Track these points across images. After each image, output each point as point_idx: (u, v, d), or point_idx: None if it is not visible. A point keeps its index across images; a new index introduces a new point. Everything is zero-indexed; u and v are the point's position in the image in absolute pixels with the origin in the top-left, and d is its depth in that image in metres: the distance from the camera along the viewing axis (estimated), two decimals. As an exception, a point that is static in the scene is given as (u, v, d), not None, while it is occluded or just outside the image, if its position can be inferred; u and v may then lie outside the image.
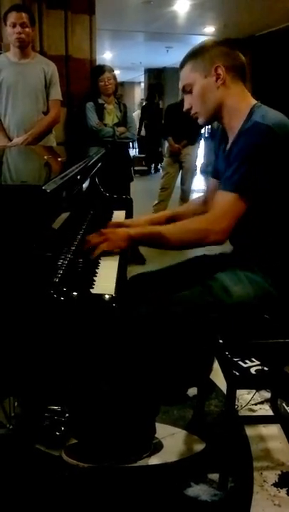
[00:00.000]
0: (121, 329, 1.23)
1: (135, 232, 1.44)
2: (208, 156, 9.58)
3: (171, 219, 1.67)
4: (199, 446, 1.67)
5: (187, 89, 1.45)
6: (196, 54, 1.43)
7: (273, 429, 1.75)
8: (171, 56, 9.98)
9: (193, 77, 1.42)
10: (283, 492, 1.48)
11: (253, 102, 1.43)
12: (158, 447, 1.63)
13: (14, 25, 2.78)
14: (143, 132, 10.09)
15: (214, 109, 1.43)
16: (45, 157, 2.04)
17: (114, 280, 1.28)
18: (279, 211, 1.39)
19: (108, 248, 1.40)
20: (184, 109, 1.49)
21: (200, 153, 7.06)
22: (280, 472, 1.56)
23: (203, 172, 9.12)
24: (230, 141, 1.44)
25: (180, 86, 1.49)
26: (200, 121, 1.48)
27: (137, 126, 9.98)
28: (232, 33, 8.04)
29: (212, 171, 1.67)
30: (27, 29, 2.81)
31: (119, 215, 2.03)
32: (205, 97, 1.42)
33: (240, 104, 1.41)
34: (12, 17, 2.78)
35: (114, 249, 1.42)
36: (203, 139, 8.77)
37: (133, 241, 1.44)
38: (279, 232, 1.42)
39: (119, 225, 1.64)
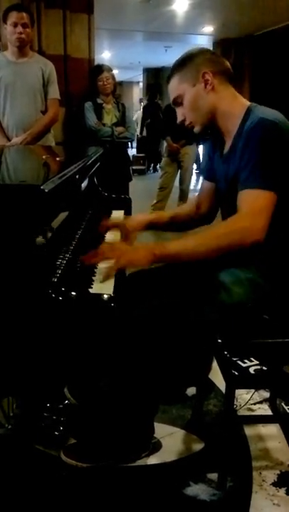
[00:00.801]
0: (120, 329, 1.23)
1: (163, 249, 1.30)
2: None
3: (168, 220, 1.68)
4: (198, 446, 1.67)
5: (178, 101, 1.46)
6: (181, 65, 1.44)
7: (272, 429, 1.75)
8: (169, 56, 9.96)
9: (182, 88, 1.44)
10: (282, 491, 1.48)
11: (247, 102, 1.44)
12: (157, 447, 1.63)
13: (15, 25, 2.79)
14: (145, 132, 10.11)
15: (208, 115, 1.44)
16: (44, 157, 2.04)
17: (113, 280, 1.28)
18: (280, 211, 1.39)
19: (124, 266, 1.29)
20: (178, 122, 1.50)
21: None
22: (279, 472, 1.56)
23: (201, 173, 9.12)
24: (228, 143, 1.45)
25: (170, 99, 1.50)
26: (196, 130, 1.48)
27: (139, 126, 10.00)
28: (231, 32, 8.05)
29: (206, 173, 1.67)
30: (27, 29, 2.82)
31: (117, 215, 2.03)
32: (197, 105, 1.43)
33: (233, 106, 1.42)
34: (13, 17, 2.78)
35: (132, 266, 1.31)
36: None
37: (158, 261, 1.31)
38: (279, 233, 1.42)
39: (117, 224, 1.63)
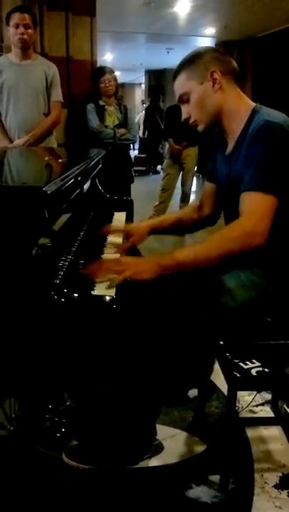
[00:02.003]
0: (121, 330, 1.23)
1: (168, 260, 1.30)
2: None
3: (170, 223, 1.68)
4: (200, 448, 1.66)
5: (184, 99, 1.45)
6: (189, 62, 1.44)
7: (274, 431, 1.75)
8: (171, 57, 9.97)
9: (189, 85, 1.43)
10: (284, 494, 1.47)
11: (252, 103, 1.44)
12: (158, 449, 1.63)
13: (17, 26, 2.79)
14: (146, 134, 10.13)
15: (213, 115, 1.43)
16: (46, 158, 2.04)
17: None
18: (282, 213, 1.39)
19: (130, 277, 1.25)
20: (182, 119, 1.49)
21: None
22: (281, 474, 1.55)
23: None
24: (231, 143, 1.45)
25: (176, 96, 1.49)
26: (200, 128, 1.47)
27: (142, 128, 10.01)
28: (232, 34, 8.06)
29: (208, 175, 1.67)
30: (29, 30, 2.82)
31: (119, 217, 2.03)
32: (203, 103, 1.42)
33: (239, 106, 1.42)
34: (15, 18, 2.79)
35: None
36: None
37: (165, 271, 1.29)
38: (282, 235, 1.42)
39: (120, 230, 1.63)
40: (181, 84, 1.45)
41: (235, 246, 1.29)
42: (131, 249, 1.67)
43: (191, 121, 1.47)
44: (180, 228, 1.73)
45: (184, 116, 1.48)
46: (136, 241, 1.68)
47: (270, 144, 1.30)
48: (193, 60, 1.43)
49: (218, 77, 1.40)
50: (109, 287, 1.21)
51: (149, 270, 1.27)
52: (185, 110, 1.47)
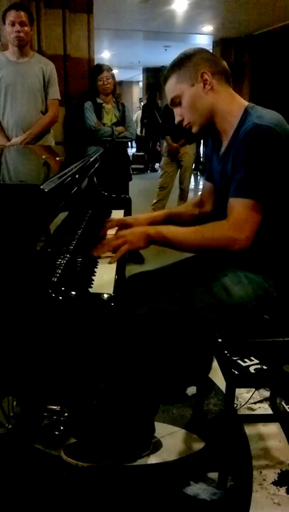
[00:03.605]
0: (120, 328, 1.23)
1: (155, 231, 1.39)
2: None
3: (170, 218, 1.67)
4: (198, 445, 1.67)
5: (176, 102, 1.45)
6: (178, 65, 1.43)
7: (272, 428, 1.75)
8: (169, 55, 9.96)
9: (180, 88, 1.42)
10: (283, 490, 1.48)
11: (245, 103, 1.43)
12: (157, 446, 1.64)
13: (13, 24, 2.79)
14: (144, 131, 10.12)
15: (206, 115, 1.43)
16: (44, 157, 2.04)
17: (113, 279, 1.28)
18: (279, 211, 1.39)
19: (129, 249, 1.37)
20: (176, 122, 1.49)
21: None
22: (279, 471, 1.56)
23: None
24: (225, 143, 1.45)
25: (168, 100, 1.49)
26: (194, 130, 1.47)
27: (139, 126, 10.01)
28: (230, 32, 8.06)
29: (206, 174, 1.67)
30: (26, 28, 2.82)
31: (117, 215, 2.03)
32: (196, 105, 1.42)
33: (232, 106, 1.42)
34: (11, 15, 2.79)
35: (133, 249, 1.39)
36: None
37: (152, 241, 1.39)
38: (279, 233, 1.42)
39: (121, 221, 1.62)
40: (172, 88, 1.45)
41: (216, 245, 1.35)
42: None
43: (184, 123, 1.46)
44: (180, 223, 1.73)
45: (177, 119, 1.48)
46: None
47: (257, 151, 1.29)
48: (182, 63, 1.42)
49: (208, 77, 1.39)
50: (111, 263, 1.36)
51: (140, 239, 1.38)
52: (178, 113, 1.46)
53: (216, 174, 1.53)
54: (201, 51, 1.45)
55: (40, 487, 1.41)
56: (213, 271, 1.46)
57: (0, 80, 2.87)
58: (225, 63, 1.46)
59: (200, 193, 1.79)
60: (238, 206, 1.32)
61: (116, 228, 1.57)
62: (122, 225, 1.58)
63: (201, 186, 7.08)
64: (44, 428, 1.55)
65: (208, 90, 1.40)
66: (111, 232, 1.54)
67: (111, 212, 2.04)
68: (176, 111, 1.47)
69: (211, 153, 1.58)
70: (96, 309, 1.12)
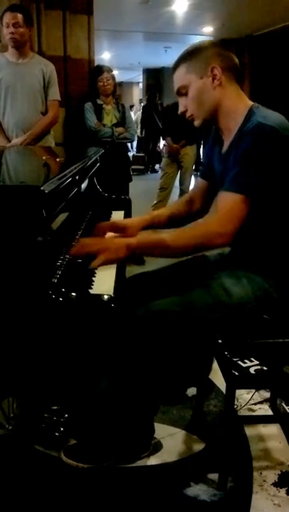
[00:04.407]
0: (120, 329, 1.23)
1: (137, 241, 1.35)
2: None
3: (167, 220, 1.66)
4: (198, 446, 1.67)
5: (182, 92, 1.43)
6: (190, 55, 1.41)
7: (273, 429, 1.75)
8: (169, 56, 9.98)
9: (189, 78, 1.40)
10: (283, 492, 1.48)
11: (250, 103, 1.42)
12: (157, 447, 1.63)
13: (8, 26, 2.81)
14: (144, 133, 10.11)
15: (211, 110, 1.42)
16: (44, 157, 2.04)
17: (113, 280, 1.28)
18: (279, 211, 1.39)
19: (106, 259, 1.28)
20: (179, 112, 1.47)
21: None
22: (279, 472, 1.56)
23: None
24: (227, 142, 1.44)
25: (175, 88, 1.47)
26: (196, 123, 1.45)
27: (139, 127, 10.01)
28: (230, 32, 8.06)
29: (202, 171, 1.65)
30: (20, 29, 2.82)
31: (117, 216, 2.03)
32: (201, 98, 1.40)
33: (237, 104, 1.40)
34: (6, 17, 2.82)
35: (112, 261, 1.31)
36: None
37: (133, 251, 1.33)
38: (279, 233, 1.42)
39: (112, 225, 1.60)
40: (180, 77, 1.43)
41: (198, 242, 1.34)
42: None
43: (187, 115, 1.45)
44: (171, 223, 1.72)
45: (180, 109, 1.46)
46: (129, 235, 1.65)
47: (253, 146, 1.29)
48: (194, 53, 1.40)
49: (218, 73, 1.37)
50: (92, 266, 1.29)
51: (120, 249, 1.31)
52: (182, 103, 1.45)
53: (217, 173, 1.52)
54: (216, 45, 1.42)
55: (40, 488, 1.41)
56: (213, 271, 1.46)
57: (0, 81, 2.88)
58: (237, 61, 1.43)
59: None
60: (225, 201, 1.33)
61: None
62: (114, 229, 1.56)
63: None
64: (44, 429, 1.55)
65: (216, 85, 1.39)
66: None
67: (111, 213, 2.05)
68: (181, 101, 1.45)
69: (211, 153, 1.57)
70: (96, 310, 1.12)
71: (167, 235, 1.36)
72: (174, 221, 1.70)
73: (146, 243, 1.38)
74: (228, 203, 1.32)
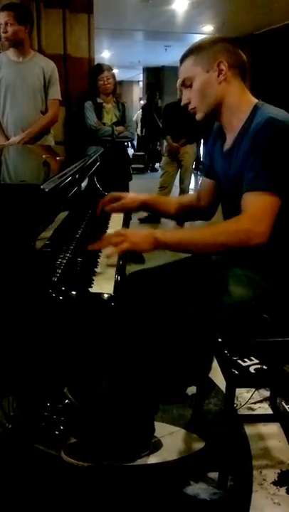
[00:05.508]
0: (120, 328, 1.23)
1: (164, 235, 1.29)
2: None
3: (171, 205, 1.67)
4: (198, 445, 1.67)
5: (187, 84, 1.43)
6: (198, 48, 1.40)
7: (273, 428, 1.75)
8: (169, 55, 9.96)
9: (195, 71, 1.40)
10: (283, 490, 1.48)
11: (255, 100, 1.42)
12: (157, 446, 1.64)
13: (0, 25, 2.81)
14: (144, 131, 10.11)
15: (214, 105, 1.41)
16: (44, 156, 2.04)
17: (113, 279, 1.28)
18: (283, 211, 1.39)
19: (129, 249, 1.26)
20: (182, 104, 1.46)
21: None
22: (279, 471, 1.56)
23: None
24: (230, 139, 1.43)
25: (179, 80, 1.46)
26: (198, 116, 1.45)
27: (139, 126, 10.01)
28: (231, 31, 8.04)
29: (206, 171, 1.65)
30: (12, 27, 2.81)
31: (118, 215, 2.03)
32: (205, 91, 1.40)
33: (241, 101, 1.40)
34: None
35: (136, 251, 1.28)
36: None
37: (158, 244, 1.28)
38: (279, 233, 1.42)
39: (118, 197, 1.64)
40: (186, 68, 1.42)
41: (236, 241, 1.27)
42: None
43: (190, 107, 1.44)
44: (174, 211, 1.70)
45: (183, 101, 1.45)
46: (126, 204, 1.66)
47: (274, 142, 1.27)
48: (203, 46, 1.40)
49: (224, 68, 1.37)
50: (109, 258, 1.31)
51: (145, 242, 1.27)
52: (186, 95, 1.44)
53: (219, 171, 1.51)
54: (225, 41, 1.42)
55: (40, 487, 1.41)
56: (213, 270, 1.46)
57: (0, 79, 2.87)
58: (245, 58, 1.43)
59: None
60: (256, 199, 1.28)
61: (116, 228, 1.56)
62: (113, 200, 1.63)
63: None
64: (44, 428, 1.55)
65: (221, 80, 1.38)
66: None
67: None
68: (185, 93, 1.44)
69: (213, 150, 1.57)
70: (96, 309, 1.12)
71: (197, 232, 1.33)
72: (178, 209, 1.69)
73: (175, 239, 1.31)
74: (257, 201, 1.27)
